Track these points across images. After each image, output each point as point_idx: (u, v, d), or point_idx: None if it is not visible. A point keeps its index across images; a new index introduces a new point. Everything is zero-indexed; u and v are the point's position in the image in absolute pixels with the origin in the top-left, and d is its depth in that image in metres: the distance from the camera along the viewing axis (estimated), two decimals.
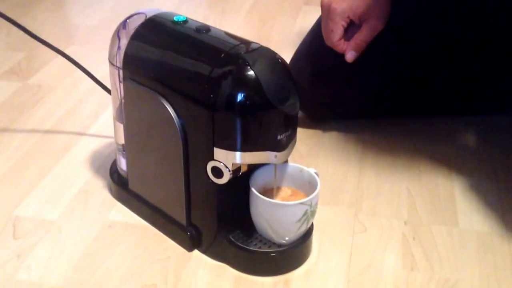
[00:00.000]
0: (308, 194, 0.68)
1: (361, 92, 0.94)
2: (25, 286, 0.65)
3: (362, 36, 0.82)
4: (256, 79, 0.60)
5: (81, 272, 0.67)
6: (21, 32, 0.84)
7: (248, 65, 0.61)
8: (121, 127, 0.75)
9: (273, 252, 0.67)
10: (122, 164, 0.77)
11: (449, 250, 0.72)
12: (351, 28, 0.83)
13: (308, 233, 0.69)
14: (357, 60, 0.84)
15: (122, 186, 0.78)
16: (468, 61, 0.92)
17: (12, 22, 0.83)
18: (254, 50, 0.63)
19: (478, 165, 0.88)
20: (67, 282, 0.66)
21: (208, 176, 0.64)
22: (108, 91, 0.82)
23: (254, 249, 0.67)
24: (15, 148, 0.89)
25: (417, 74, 0.93)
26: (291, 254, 0.68)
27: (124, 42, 0.70)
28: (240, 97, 0.60)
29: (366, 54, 0.84)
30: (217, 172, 0.64)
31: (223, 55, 0.62)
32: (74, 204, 0.78)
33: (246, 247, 0.67)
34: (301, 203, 0.65)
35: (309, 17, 1.38)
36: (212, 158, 0.63)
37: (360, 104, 0.96)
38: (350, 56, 0.83)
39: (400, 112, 0.98)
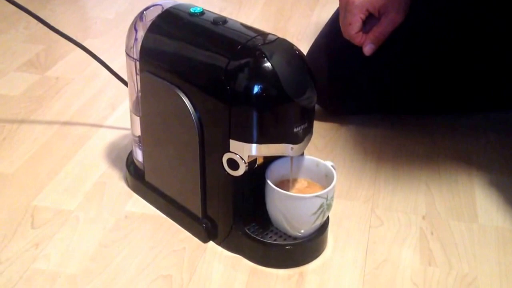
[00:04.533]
0: (324, 186, 0.67)
1: (379, 87, 0.93)
2: (43, 275, 0.66)
3: (381, 29, 0.81)
4: (273, 71, 0.60)
5: (98, 262, 0.68)
6: (40, 25, 0.85)
7: (265, 57, 0.60)
8: (137, 119, 0.75)
9: (288, 245, 0.67)
10: (139, 155, 0.78)
11: (468, 246, 0.71)
12: (369, 20, 0.82)
13: (323, 226, 0.69)
14: (375, 54, 0.83)
15: (138, 178, 0.78)
16: (488, 57, 0.91)
17: (31, 14, 0.83)
18: (271, 42, 0.63)
19: (498, 161, 0.87)
20: (84, 272, 0.66)
21: (224, 168, 0.64)
22: (125, 83, 0.82)
23: (269, 241, 0.67)
24: (33, 139, 0.90)
25: (436, 69, 0.92)
26: (306, 247, 0.68)
27: (141, 34, 0.70)
28: (256, 89, 0.60)
29: (385, 47, 0.83)
30: (233, 164, 0.64)
31: (240, 47, 0.62)
32: (92, 195, 0.79)
33: (261, 239, 0.67)
34: (317, 196, 0.65)
35: (327, 9, 1.37)
36: (228, 150, 0.63)
37: (378, 98, 0.95)
38: (368, 49, 0.82)
39: (419, 107, 0.97)
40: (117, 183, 0.81)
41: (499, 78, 0.93)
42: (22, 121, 0.95)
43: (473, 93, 0.95)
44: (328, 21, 0.96)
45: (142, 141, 0.75)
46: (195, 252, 0.70)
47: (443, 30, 0.90)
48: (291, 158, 0.68)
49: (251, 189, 0.67)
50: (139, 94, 0.73)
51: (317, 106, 0.66)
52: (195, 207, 0.70)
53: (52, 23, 0.85)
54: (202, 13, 0.68)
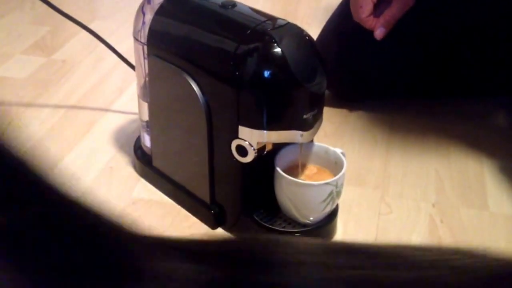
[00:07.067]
0: (333, 172, 0.67)
1: (390, 71, 0.92)
2: None
3: (392, 12, 0.79)
4: (282, 56, 0.59)
5: None
6: (46, 6, 0.83)
7: (275, 42, 0.59)
8: (145, 104, 0.74)
9: (297, 232, 0.67)
10: (146, 141, 0.77)
11: (478, 234, 0.71)
12: (380, 4, 0.80)
13: (333, 214, 0.68)
14: (386, 38, 0.81)
15: (146, 163, 0.77)
16: (499, 41, 0.89)
17: None
18: (281, 26, 0.61)
19: (509, 147, 0.86)
20: None
21: (233, 155, 0.64)
22: (132, 67, 0.81)
23: (278, 228, 0.67)
24: (39, 123, 0.90)
25: (447, 53, 0.90)
26: (316, 235, 0.67)
27: (148, 17, 0.69)
28: (266, 74, 0.59)
29: (395, 31, 0.81)
30: (242, 151, 0.63)
31: (249, 31, 0.61)
32: (99, 180, 0.78)
33: (270, 226, 0.67)
34: (326, 183, 0.64)
35: None
36: (237, 136, 0.62)
37: (388, 83, 0.94)
38: (379, 33, 0.81)
39: (429, 92, 0.96)
40: (124, 169, 0.81)
41: (510, 62, 0.91)
42: (28, 105, 0.94)
43: (484, 77, 0.93)
44: (338, 4, 0.95)
45: (150, 126, 0.75)
46: None
47: (454, 14, 0.88)
48: (301, 144, 0.67)
49: (260, 175, 0.67)
50: (147, 78, 0.72)
51: (326, 92, 0.65)
52: (203, 193, 0.70)
53: (58, 5, 0.84)
54: None
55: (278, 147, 0.67)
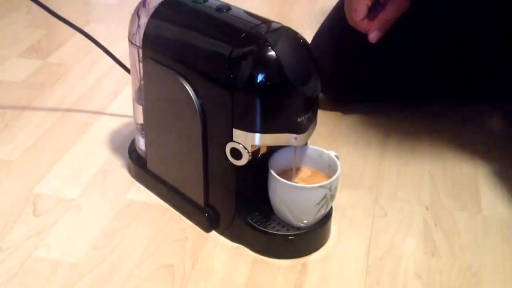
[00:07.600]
0: (327, 175, 0.67)
1: (384, 74, 0.92)
2: (44, 263, 0.66)
3: (387, 15, 0.80)
4: (277, 60, 0.59)
5: (100, 250, 0.68)
6: (41, 10, 0.84)
7: (269, 45, 0.59)
8: (140, 107, 0.74)
9: (291, 235, 0.67)
10: (141, 144, 0.77)
11: (472, 237, 0.71)
12: (375, 7, 0.81)
13: (327, 217, 0.68)
14: (380, 41, 0.82)
15: (140, 166, 0.77)
16: (494, 44, 0.90)
17: None
18: (276, 30, 0.62)
19: (503, 150, 0.86)
20: (86, 261, 0.66)
21: (227, 158, 0.64)
22: (127, 70, 0.81)
23: (272, 231, 0.67)
24: (35, 126, 0.90)
25: (442, 56, 0.91)
26: (309, 238, 0.68)
27: (143, 20, 0.69)
28: (260, 77, 0.59)
29: (390, 35, 0.82)
30: (236, 154, 0.63)
31: (243, 35, 0.61)
32: (94, 183, 0.78)
33: (264, 229, 0.67)
34: (320, 187, 0.64)
35: None
36: (231, 140, 0.63)
37: (382, 86, 0.94)
38: (373, 36, 0.81)
39: (424, 95, 0.96)
40: (119, 171, 0.81)
41: (504, 66, 0.92)
42: (23, 108, 0.94)
43: (479, 81, 0.94)
44: (333, 7, 0.95)
45: (144, 129, 0.75)
46: (198, 242, 0.69)
47: (448, 17, 0.89)
48: (295, 148, 0.68)
49: (254, 178, 0.67)
50: (142, 81, 0.72)
51: (320, 94, 0.66)
52: (198, 196, 0.70)
53: (53, 8, 0.84)
54: (206, 0, 0.67)
55: (272, 150, 0.67)
